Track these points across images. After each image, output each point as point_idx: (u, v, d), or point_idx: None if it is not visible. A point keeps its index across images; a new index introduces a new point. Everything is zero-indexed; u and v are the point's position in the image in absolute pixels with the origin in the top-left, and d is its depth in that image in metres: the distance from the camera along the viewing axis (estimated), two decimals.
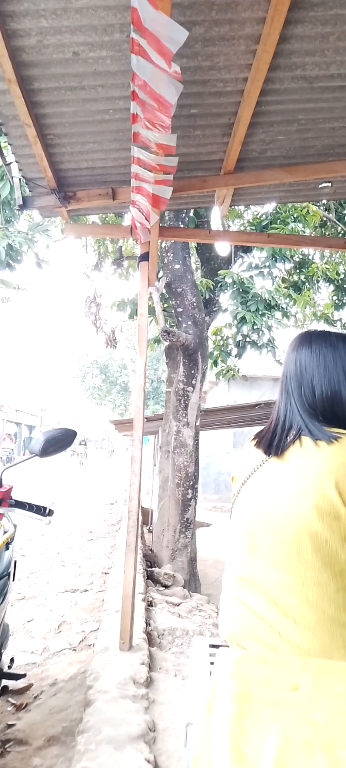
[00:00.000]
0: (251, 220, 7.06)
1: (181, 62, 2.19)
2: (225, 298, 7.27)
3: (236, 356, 7.75)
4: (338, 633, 0.93)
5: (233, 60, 2.25)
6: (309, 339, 1.19)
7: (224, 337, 7.90)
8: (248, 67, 2.28)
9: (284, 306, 7.16)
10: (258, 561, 1.04)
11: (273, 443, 1.13)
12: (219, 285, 6.95)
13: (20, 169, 2.98)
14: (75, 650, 3.28)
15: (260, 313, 6.57)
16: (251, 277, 6.92)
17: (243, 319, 6.55)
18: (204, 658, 1.34)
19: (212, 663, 1.30)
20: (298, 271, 7.79)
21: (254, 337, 7.14)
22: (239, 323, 6.71)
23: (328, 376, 1.11)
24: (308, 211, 6.47)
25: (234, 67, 2.30)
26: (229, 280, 6.60)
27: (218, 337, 7.89)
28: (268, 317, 6.75)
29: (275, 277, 7.27)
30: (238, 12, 1.99)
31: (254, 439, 1.25)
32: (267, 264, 6.79)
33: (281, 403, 1.18)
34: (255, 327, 6.64)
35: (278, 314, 7.12)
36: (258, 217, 6.90)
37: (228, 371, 8.02)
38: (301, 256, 7.88)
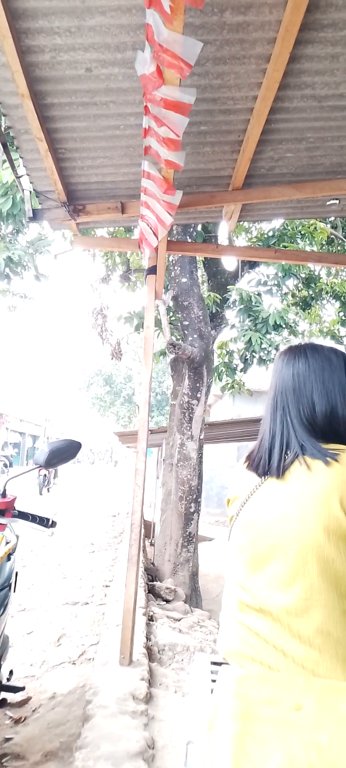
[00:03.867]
0: (258, 236, 7.11)
1: (192, 80, 2.22)
2: (232, 314, 7.33)
3: (241, 371, 7.76)
4: (343, 655, 0.91)
5: (243, 78, 2.28)
6: (304, 352, 1.15)
7: (230, 351, 7.91)
8: (258, 85, 2.31)
9: (292, 324, 7.18)
10: (260, 583, 1.02)
11: (272, 463, 1.09)
12: (225, 300, 6.99)
13: (31, 182, 3.02)
14: (74, 664, 3.25)
15: (268, 334, 6.62)
16: (259, 294, 6.96)
17: (250, 340, 6.61)
18: (205, 675, 1.32)
19: (213, 680, 1.28)
20: (306, 287, 7.81)
21: (262, 353, 7.17)
22: (247, 345, 6.78)
23: (326, 391, 1.09)
24: (315, 227, 6.50)
25: (244, 86, 2.33)
26: (237, 297, 6.64)
27: (224, 351, 7.91)
28: (275, 335, 6.79)
29: (285, 293, 7.30)
30: (249, 32, 2.02)
31: (245, 461, 1.20)
32: (276, 282, 6.83)
33: (276, 420, 1.13)
34: (262, 347, 6.70)
35: (285, 333, 7.14)
36: (265, 233, 6.96)
37: (234, 387, 8.02)
38: (308, 273, 7.91)
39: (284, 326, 6.78)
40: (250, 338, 6.58)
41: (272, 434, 1.12)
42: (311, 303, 7.90)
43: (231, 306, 7.18)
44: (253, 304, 6.64)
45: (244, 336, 6.76)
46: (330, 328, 8.59)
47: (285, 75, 2.22)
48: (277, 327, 6.67)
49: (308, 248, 6.73)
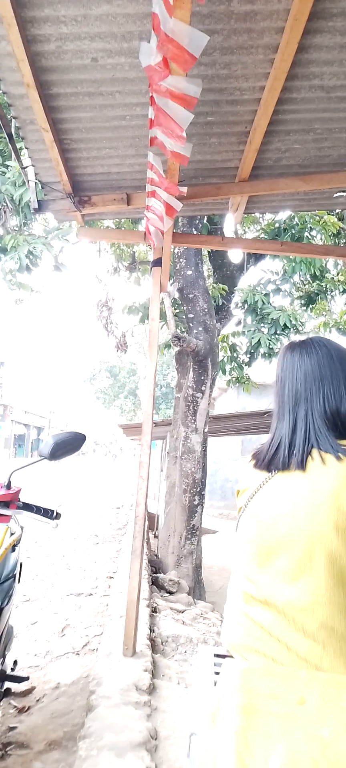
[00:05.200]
0: (265, 228, 7.06)
1: (198, 70, 2.20)
2: (239, 311, 7.33)
3: (246, 365, 7.74)
4: None
5: (250, 69, 2.25)
6: (322, 343, 1.14)
7: (232, 345, 7.91)
8: (266, 75, 2.28)
9: (299, 328, 7.16)
10: (267, 575, 1.02)
11: (294, 457, 1.06)
12: (232, 293, 6.98)
13: (36, 173, 3.01)
14: (78, 654, 3.28)
15: (276, 335, 6.67)
16: (267, 294, 6.95)
17: (258, 342, 6.68)
18: (209, 667, 1.32)
19: (216, 673, 1.28)
20: (313, 279, 7.73)
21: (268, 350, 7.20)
22: (254, 347, 6.83)
23: None
24: (325, 221, 6.45)
25: (252, 76, 2.30)
26: (245, 298, 6.68)
27: (226, 345, 7.90)
28: (283, 336, 6.83)
29: (294, 284, 7.27)
30: (257, 21, 1.99)
31: (252, 459, 1.18)
32: (284, 279, 6.84)
33: (299, 413, 1.10)
34: (270, 347, 6.75)
35: (291, 332, 7.16)
36: (271, 223, 6.92)
37: (240, 380, 8.01)
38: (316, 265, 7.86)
39: (291, 328, 6.79)
40: (259, 340, 6.67)
41: (292, 427, 1.10)
42: (315, 299, 7.83)
43: (239, 304, 7.20)
44: (260, 306, 6.68)
45: (252, 338, 6.81)
46: (337, 320, 8.52)
47: (293, 65, 2.19)
48: (286, 328, 6.69)
49: (316, 241, 6.68)
